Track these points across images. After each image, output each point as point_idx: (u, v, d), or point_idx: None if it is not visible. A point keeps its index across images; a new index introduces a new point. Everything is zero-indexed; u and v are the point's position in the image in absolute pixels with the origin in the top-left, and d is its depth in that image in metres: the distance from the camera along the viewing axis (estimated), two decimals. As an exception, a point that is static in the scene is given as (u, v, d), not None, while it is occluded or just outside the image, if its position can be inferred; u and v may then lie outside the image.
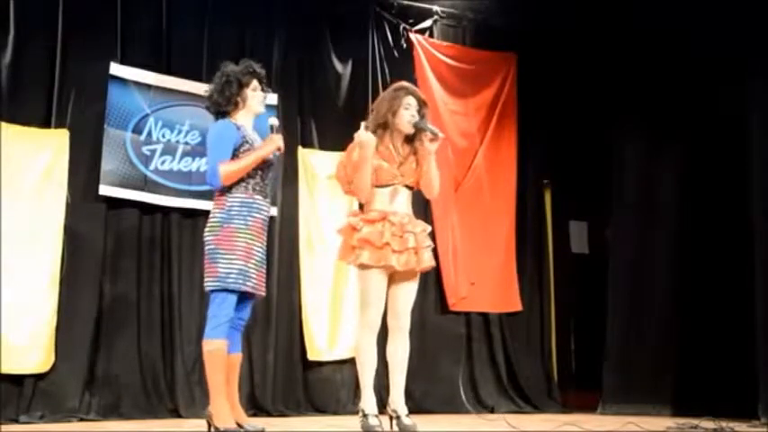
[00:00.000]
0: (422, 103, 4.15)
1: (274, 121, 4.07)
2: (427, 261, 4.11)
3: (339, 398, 6.12)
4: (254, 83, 4.01)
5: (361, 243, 4.00)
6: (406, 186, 4.13)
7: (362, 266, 4.02)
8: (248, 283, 3.83)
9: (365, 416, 4.01)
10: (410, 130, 4.11)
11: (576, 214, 7.63)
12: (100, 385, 5.34)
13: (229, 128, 3.90)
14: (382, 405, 4.23)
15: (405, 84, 4.27)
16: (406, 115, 4.08)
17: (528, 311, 7.11)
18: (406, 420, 4.01)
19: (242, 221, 3.83)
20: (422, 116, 4.12)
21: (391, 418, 4.10)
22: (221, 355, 3.79)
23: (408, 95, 4.12)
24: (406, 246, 4.01)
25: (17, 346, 5.02)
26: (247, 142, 3.89)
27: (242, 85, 3.96)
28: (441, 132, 4.07)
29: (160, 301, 5.68)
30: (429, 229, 4.22)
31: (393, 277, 4.08)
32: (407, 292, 4.12)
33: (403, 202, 4.11)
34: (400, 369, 4.12)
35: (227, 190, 3.86)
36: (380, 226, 4.00)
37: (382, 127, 4.11)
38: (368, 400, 4.04)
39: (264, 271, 3.98)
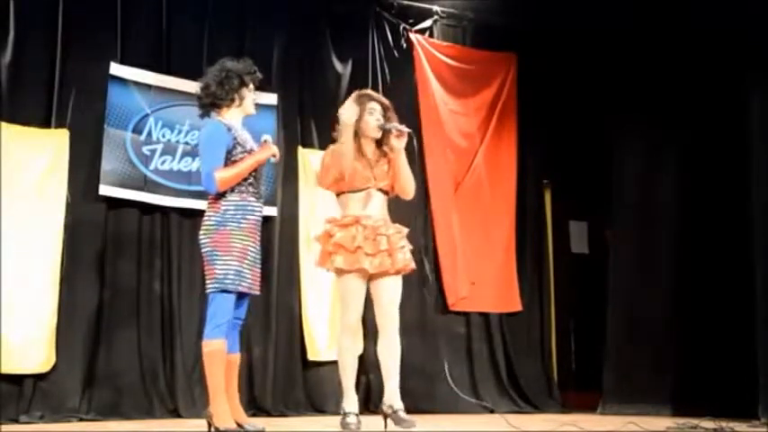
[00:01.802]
0: (385, 108, 4.24)
1: (268, 137, 4.07)
2: (401, 262, 4.15)
3: (339, 398, 6.11)
4: (252, 84, 4.01)
5: (336, 248, 4.10)
6: (380, 190, 4.21)
7: (338, 271, 4.12)
8: (243, 283, 3.84)
9: (345, 414, 4.15)
10: (377, 134, 4.20)
11: (576, 214, 7.63)
12: (100, 385, 5.34)
13: (221, 131, 3.88)
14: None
15: (365, 91, 4.42)
16: (371, 120, 4.18)
17: (528, 312, 7.11)
18: (403, 414, 4.03)
19: (236, 224, 3.83)
20: (387, 119, 4.21)
21: (385, 416, 4.10)
22: (221, 355, 3.79)
23: (371, 101, 4.23)
24: (378, 248, 4.08)
25: (17, 346, 5.02)
26: (239, 144, 3.88)
27: (243, 83, 3.96)
28: (405, 127, 4.15)
29: (160, 301, 5.68)
30: (405, 231, 4.27)
31: (373, 278, 4.14)
32: (389, 291, 4.16)
33: (377, 205, 4.19)
34: (392, 367, 4.15)
35: (220, 194, 3.85)
36: (353, 230, 4.08)
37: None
38: (348, 400, 4.20)
39: (259, 269, 3.98)
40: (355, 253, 4.05)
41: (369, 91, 4.40)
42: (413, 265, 4.25)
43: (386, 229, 4.14)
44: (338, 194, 4.31)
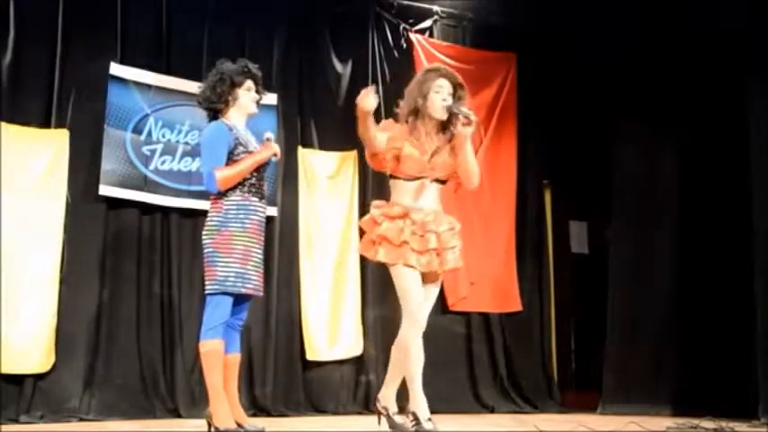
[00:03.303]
0: (456, 86, 3.81)
1: (270, 135, 4.06)
2: (450, 263, 3.79)
3: (339, 398, 6.12)
4: (248, 83, 4.00)
5: (380, 239, 3.75)
6: (437, 181, 3.83)
7: (382, 263, 3.79)
8: (248, 285, 3.84)
9: (417, 421, 3.66)
10: (443, 116, 3.77)
11: (576, 214, 7.63)
12: (100, 385, 5.35)
13: (222, 131, 3.89)
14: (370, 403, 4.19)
15: (437, 65, 3.98)
16: (437, 99, 3.75)
17: (528, 312, 7.11)
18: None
19: (239, 224, 3.83)
20: (457, 99, 3.79)
21: (380, 415, 3.95)
22: (217, 356, 3.80)
23: (440, 78, 3.79)
24: (426, 246, 3.71)
25: (17, 346, 5.02)
26: (241, 144, 3.89)
27: (234, 84, 3.95)
28: (473, 115, 3.75)
29: (160, 301, 5.68)
30: (458, 227, 3.88)
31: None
32: (428, 295, 3.83)
33: (430, 197, 3.81)
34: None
35: (222, 193, 3.85)
36: (401, 223, 3.71)
37: (413, 113, 3.80)
38: (421, 404, 3.68)
39: (262, 271, 3.98)
40: (401, 248, 3.68)
41: (440, 65, 3.94)
42: (461, 264, 3.86)
43: (436, 225, 3.75)
44: (391, 176, 3.88)
